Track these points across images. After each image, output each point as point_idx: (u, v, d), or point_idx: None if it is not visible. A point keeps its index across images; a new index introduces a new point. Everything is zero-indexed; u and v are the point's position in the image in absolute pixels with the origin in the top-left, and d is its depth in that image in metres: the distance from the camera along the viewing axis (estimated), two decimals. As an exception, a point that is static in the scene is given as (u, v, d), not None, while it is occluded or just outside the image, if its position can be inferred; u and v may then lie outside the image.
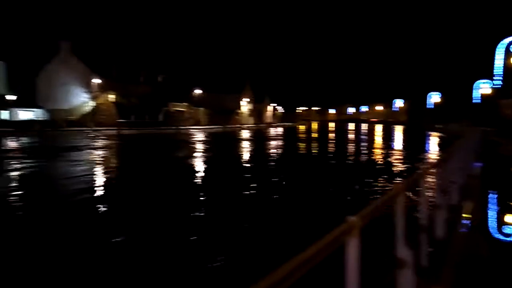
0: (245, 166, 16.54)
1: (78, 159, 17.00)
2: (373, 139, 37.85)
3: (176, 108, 59.57)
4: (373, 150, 25.67)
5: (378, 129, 66.01)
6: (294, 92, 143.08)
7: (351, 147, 27.72)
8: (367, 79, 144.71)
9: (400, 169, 14.82)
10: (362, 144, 31.45)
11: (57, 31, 79.02)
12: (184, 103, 62.48)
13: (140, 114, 51.92)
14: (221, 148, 25.83)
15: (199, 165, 15.95)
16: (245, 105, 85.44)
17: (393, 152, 23.12)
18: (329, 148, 27.04)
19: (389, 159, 18.45)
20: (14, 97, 47.14)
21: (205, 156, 19.65)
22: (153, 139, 33.28)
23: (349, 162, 18.19)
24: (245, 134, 46.57)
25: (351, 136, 45.42)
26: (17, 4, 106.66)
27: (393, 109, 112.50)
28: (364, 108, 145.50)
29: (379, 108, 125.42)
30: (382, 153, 21.99)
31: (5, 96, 47.95)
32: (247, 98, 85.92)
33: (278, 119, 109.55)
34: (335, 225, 1.39)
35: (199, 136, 39.24)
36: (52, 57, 52.08)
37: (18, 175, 12.80)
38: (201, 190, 10.43)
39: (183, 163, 16.50)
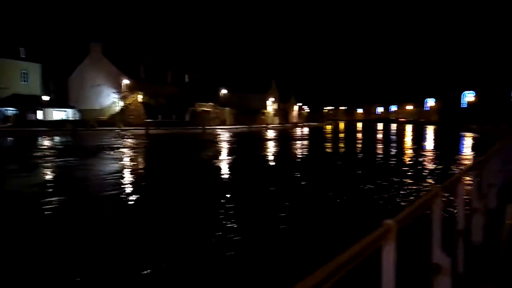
0: (274, 166, 16.19)
1: (113, 157, 17.32)
2: (404, 140, 36.51)
3: (202, 108, 60.06)
4: (404, 150, 24.66)
5: (409, 129, 63.87)
6: (320, 91, 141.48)
7: (380, 148, 26.80)
8: (397, 78, 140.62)
9: (434, 171, 14.03)
10: (392, 144, 30.37)
11: (87, 33, 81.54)
12: (210, 103, 62.93)
13: (167, 114, 52.68)
14: (247, 148, 25.62)
15: (227, 165, 15.74)
16: (270, 105, 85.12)
17: (426, 153, 22.10)
18: (358, 149, 26.25)
19: (422, 161, 17.58)
20: (48, 98, 49.00)
21: (232, 156, 19.49)
22: (180, 139, 33.58)
23: (380, 163, 17.45)
24: (271, 134, 46.23)
25: (380, 136, 44.12)
26: (50, 8, 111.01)
27: (424, 108, 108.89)
28: (393, 108, 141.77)
29: (410, 107, 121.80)
30: (414, 154, 21.04)
31: (40, 96, 49.98)
32: (273, 97, 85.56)
33: (304, 119, 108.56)
34: (369, 229, 1.34)
35: (225, 136, 39.28)
36: (83, 59, 53.77)
37: (60, 172, 13.09)
38: (231, 188, 10.18)
39: (211, 162, 16.37)
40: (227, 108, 69.12)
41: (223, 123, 66.76)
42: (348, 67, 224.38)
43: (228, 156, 19.88)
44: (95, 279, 4.66)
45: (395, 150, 25.06)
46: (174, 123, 51.53)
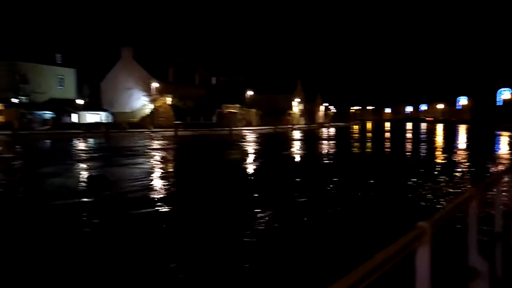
0: (303, 167, 16.30)
1: (149, 158, 18.01)
2: (435, 139, 35.53)
3: (229, 109, 60.74)
4: (436, 151, 24.05)
5: (440, 128, 61.92)
6: (347, 91, 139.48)
7: (411, 148, 26.24)
8: (427, 76, 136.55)
9: (471, 171, 13.68)
10: (424, 144, 29.63)
11: (119, 38, 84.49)
12: (236, 105, 63.51)
13: (195, 116, 53.73)
14: (275, 149, 25.79)
15: (256, 166, 16.00)
16: (296, 105, 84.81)
17: (461, 153, 21.47)
18: (387, 149, 25.84)
19: (458, 161, 17.14)
20: (82, 101, 51.12)
21: (259, 157, 19.74)
22: (208, 140, 34.23)
23: (411, 164, 17.17)
24: (297, 134, 46.17)
25: (411, 135, 43.09)
26: (84, 15, 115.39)
27: (456, 107, 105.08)
28: (423, 107, 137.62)
29: (440, 106, 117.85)
30: (448, 154, 20.50)
31: (75, 100, 52.23)
32: (299, 98, 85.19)
33: (330, 119, 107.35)
34: (401, 231, 1.31)
35: (251, 136, 39.63)
36: (115, 63, 55.68)
37: (100, 172, 13.75)
38: (264, 190, 10.40)
39: (239, 163, 16.68)
40: (253, 109, 69.50)
41: (249, 124, 67.19)
42: (375, 66, 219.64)
43: (255, 156, 20.15)
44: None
45: (428, 150, 24.47)
46: (201, 124, 52.47)
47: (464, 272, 2.11)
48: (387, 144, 30.68)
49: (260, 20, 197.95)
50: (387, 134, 46.53)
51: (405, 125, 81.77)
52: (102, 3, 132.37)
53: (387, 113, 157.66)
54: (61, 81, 55.49)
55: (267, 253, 5.50)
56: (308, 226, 6.97)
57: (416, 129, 63.21)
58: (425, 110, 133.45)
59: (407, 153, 22.85)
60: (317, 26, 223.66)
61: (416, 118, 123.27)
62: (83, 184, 11.83)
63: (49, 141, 32.31)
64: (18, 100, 41.67)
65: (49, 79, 53.29)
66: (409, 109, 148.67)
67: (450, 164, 16.33)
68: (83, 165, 16.03)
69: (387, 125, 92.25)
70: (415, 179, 11.82)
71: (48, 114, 48.97)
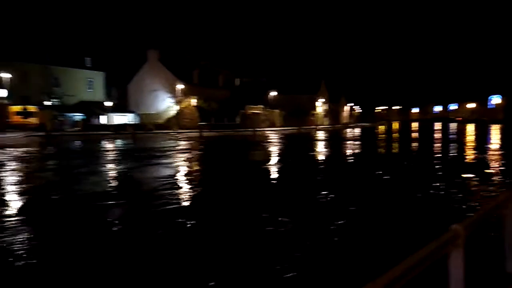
0: (330, 168, 16.08)
1: (176, 158, 18.30)
2: (466, 140, 34.23)
3: (252, 110, 60.92)
4: (469, 151, 23.13)
5: (471, 128, 59.66)
6: (372, 91, 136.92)
7: (441, 149, 25.37)
8: (457, 74, 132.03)
9: (505, 173, 13.05)
10: (455, 145, 28.59)
11: (145, 41, 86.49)
12: (260, 105, 63.62)
13: (219, 117, 54.23)
14: (300, 149, 25.60)
15: (282, 167, 15.93)
16: (320, 106, 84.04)
17: (495, 154, 20.56)
18: (416, 150, 25.10)
19: (491, 162, 16.42)
20: (110, 103, 52.63)
21: (284, 158, 19.65)
22: (232, 141, 34.43)
23: (442, 165, 16.58)
24: (322, 135, 45.68)
25: (441, 135, 41.73)
26: (111, 19, 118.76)
27: (488, 106, 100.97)
28: (452, 106, 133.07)
29: (471, 105, 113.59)
30: (481, 155, 19.68)
31: (103, 102, 53.84)
32: (323, 98, 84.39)
33: (355, 119, 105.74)
34: (432, 234, 1.27)
35: (275, 137, 39.53)
36: (142, 66, 57.01)
37: (138, 172, 14.12)
38: (293, 192, 10.32)
39: (266, 165, 16.65)
40: (277, 110, 69.37)
41: (272, 125, 67.12)
42: (403, 65, 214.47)
43: (281, 158, 20.05)
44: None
45: (461, 150, 23.58)
46: (225, 125, 52.89)
47: (500, 278, 2.02)
48: (416, 145, 29.81)
49: (284, 21, 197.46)
50: (416, 134, 45.28)
51: (434, 125, 79.31)
52: (129, 8, 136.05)
53: (414, 113, 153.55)
54: (90, 84, 57.42)
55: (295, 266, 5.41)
56: (344, 233, 6.83)
57: (446, 129, 61.16)
58: (454, 109, 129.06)
59: (439, 154, 22.10)
60: (341, 26, 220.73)
61: (445, 118, 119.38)
62: (117, 183, 12.16)
63: (79, 142, 33.44)
64: (50, 102, 43.37)
65: (79, 82, 55.25)
66: (437, 108, 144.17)
67: (484, 165, 15.67)
68: (114, 165, 16.46)
69: (415, 125, 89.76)
70: (449, 180, 11.40)
71: (78, 116, 50.70)
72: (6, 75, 40.70)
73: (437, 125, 79.76)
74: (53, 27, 60.93)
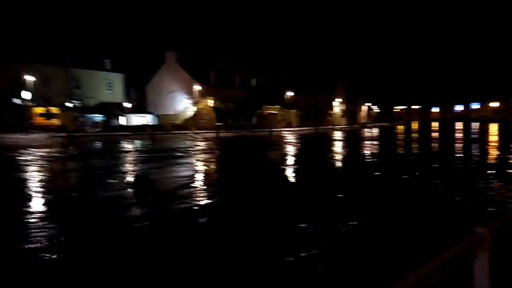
0: (351, 170, 15.87)
1: (194, 158, 18.45)
2: (489, 140, 33.20)
3: (268, 110, 60.88)
4: (492, 152, 22.41)
5: (494, 128, 57.90)
6: (391, 90, 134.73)
7: (463, 150, 24.69)
8: (479, 72, 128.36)
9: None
10: (476, 145, 27.78)
11: (163, 43, 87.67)
12: (276, 106, 63.52)
13: (235, 118, 54.45)
14: (318, 150, 25.38)
15: (300, 167, 15.81)
16: (337, 106, 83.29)
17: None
18: (435, 152, 24.49)
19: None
20: (129, 105, 53.57)
21: (302, 158, 19.52)
22: (249, 141, 34.45)
23: (465, 167, 16.12)
24: (339, 135, 45.21)
25: (461, 135, 40.64)
26: (130, 22, 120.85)
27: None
28: (475, 105, 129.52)
29: (494, 104, 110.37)
30: (504, 157, 19.03)
31: (123, 103, 54.85)
32: (340, 98, 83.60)
33: (373, 119, 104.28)
34: (455, 237, 1.24)
35: (292, 138, 39.33)
36: (160, 67, 57.79)
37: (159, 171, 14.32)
38: (314, 196, 10.24)
39: (286, 165, 16.57)
40: (293, 110, 69.12)
41: (289, 125, 66.90)
42: (422, 63, 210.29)
43: (299, 158, 19.92)
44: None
45: (486, 151, 22.88)
46: (242, 126, 53.04)
47: None
48: (437, 145, 29.11)
49: (301, 20, 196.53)
50: (437, 134, 44.24)
51: (454, 125, 77.33)
52: (147, 11, 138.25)
53: (434, 112, 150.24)
54: (110, 86, 58.62)
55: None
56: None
57: (468, 129, 59.55)
58: (476, 109, 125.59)
59: (461, 154, 21.50)
60: (359, 24, 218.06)
61: (466, 117, 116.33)
62: (142, 182, 12.32)
63: (100, 142, 34.11)
64: (71, 104, 44.46)
65: (99, 84, 56.48)
66: (459, 108, 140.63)
67: (508, 166, 15.14)
68: (137, 165, 16.70)
69: (436, 125, 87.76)
70: (472, 182, 11.07)
71: (98, 117, 51.80)
72: (30, 78, 41.93)
73: (459, 125, 77.76)
74: (74, 30, 62.49)
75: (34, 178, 13.11)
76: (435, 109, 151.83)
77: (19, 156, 20.67)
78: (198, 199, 9.15)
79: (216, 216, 7.55)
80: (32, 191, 10.56)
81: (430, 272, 1.05)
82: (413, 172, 13.88)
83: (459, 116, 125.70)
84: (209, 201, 9.00)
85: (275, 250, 5.65)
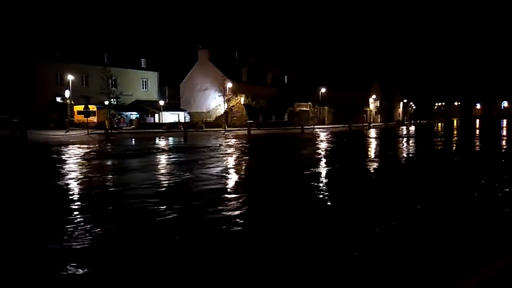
0: (395, 172, 15.06)
1: (226, 155, 18.39)
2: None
3: (300, 107, 60.08)
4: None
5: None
6: (430, 86, 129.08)
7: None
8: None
9: None
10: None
11: (197, 41, 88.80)
12: (308, 103, 62.58)
13: (267, 115, 54.15)
14: (353, 150, 24.51)
15: (336, 168, 15.21)
16: (372, 102, 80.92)
17: None
18: (478, 151, 22.87)
19: None
20: (163, 102, 54.69)
21: (339, 158, 18.84)
22: (281, 139, 34.00)
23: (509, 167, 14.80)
24: (374, 133, 43.68)
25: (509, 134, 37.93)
26: (166, 22, 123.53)
27: None
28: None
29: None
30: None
31: (157, 101, 56.09)
32: (375, 94, 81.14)
33: (411, 116, 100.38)
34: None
35: (324, 135, 38.42)
36: (193, 65, 58.54)
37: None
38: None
39: (320, 166, 16.03)
40: (326, 107, 67.85)
41: (321, 122, 65.72)
42: (462, 56, 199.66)
43: (334, 158, 19.25)
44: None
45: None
46: (273, 123, 52.66)
47: None
48: (486, 144, 27.26)
49: (336, 16, 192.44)
50: (479, 132, 41.62)
51: (501, 122, 72.56)
52: (181, 10, 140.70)
53: (477, 109, 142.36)
54: (145, 84, 60.20)
55: None
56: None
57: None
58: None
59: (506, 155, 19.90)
60: (396, 19, 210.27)
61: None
62: (184, 175, 12.33)
63: (137, 139, 34.92)
64: (109, 102, 45.97)
65: (135, 82, 58.13)
66: (505, 104, 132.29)
67: None
68: (173, 159, 16.82)
69: (479, 122, 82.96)
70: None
71: (133, 115, 53.28)
72: (70, 77, 43.75)
73: (506, 122, 72.92)
74: (112, 30, 64.62)
75: (80, 172, 13.40)
76: (478, 105, 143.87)
77: (61, 151, 21.49)
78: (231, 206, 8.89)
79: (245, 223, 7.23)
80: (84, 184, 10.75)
81: (496, 271, 1.05)
82: (467, 175, 12.88)
83: (506, 113, 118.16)
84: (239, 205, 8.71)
85: None
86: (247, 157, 19.45)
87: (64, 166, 15.09)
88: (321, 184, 11.12)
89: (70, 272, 4.77)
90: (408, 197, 9.14)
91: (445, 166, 15.68)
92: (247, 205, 8.37)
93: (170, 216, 7.39)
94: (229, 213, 7.60)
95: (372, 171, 14.60)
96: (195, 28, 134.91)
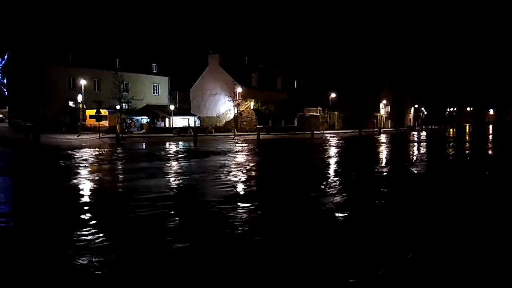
0: (410, 178, 14.84)
1: (236, 159, 18.35)
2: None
3: (310, 112, 59.92)
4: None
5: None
6: (441, 91, 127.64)
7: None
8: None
9: None
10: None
11: (207, 46, 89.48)
12: (318, 108, 62.41)
13: (277, 120, 54.12)
14: (365, 156, 24.27)
15: (348, 174, 15.04)
16: (383, 108, 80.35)
17: None
18: (492, 157, 22.40)
19: None
20: (173, 107, 55.11)
21: (350, 164, 18.65)
22: (290, 144, 33.86)
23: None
24: (385, 139, 43.22)
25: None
26: (176, 27, 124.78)
27: None
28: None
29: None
30: None
31: (167, 106, 56.56)
32: (385, 99, 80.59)
33: (422, 121, 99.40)
34: None
35: (334, 141, 38.14)
36: (203, 70, 58.96)
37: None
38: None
39: (330, 171, 15.89)
40: (336, 112, 67.59)
41: (331, 127, 65.45)
42: (474, 62, 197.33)
43: (344, 164, 19.06)
44: None
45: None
46: (283, 128, 52.62)
47: None
48: (494, 152, 26.73)
49: (345, 21, 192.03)
50: (492, 139, 40.83)
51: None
52: (192, 15, 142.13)
53: (490, 114, 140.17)
54: (156, 89, 60.80)
55: None
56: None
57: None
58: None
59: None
60: (407, 23, 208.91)
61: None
62: (196, 177, 12.33)
63: (147, 143, 35.14)
64: (120, 106, 46.54)
65: (146, 87, 58.76)
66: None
67: None
68: (188, 163, 16.85)
69: (492, 127, 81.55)
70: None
71: (144, 119, 53.78)
72: (83, 81, 44.40)
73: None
74: (124, 36, 65.52)
75: (109, 175, 13.50)
76: (491, 111, 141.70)
77: (74, 154, 21.75)
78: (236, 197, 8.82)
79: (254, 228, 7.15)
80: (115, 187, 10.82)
81: None
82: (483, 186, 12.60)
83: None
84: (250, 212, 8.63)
85: None
86: (256, 164, 19.39)
87: (76, 170, 15.22)
88: (338, 198, 10.98)
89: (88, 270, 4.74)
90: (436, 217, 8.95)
91: (475, 179, 15.37)
92: (262, 218, 8.29)
93: (172, 226, 7.35)
94: (246, 228, 7.53)
95: (389, 181, 14.38)
96: (205, 34, 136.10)
